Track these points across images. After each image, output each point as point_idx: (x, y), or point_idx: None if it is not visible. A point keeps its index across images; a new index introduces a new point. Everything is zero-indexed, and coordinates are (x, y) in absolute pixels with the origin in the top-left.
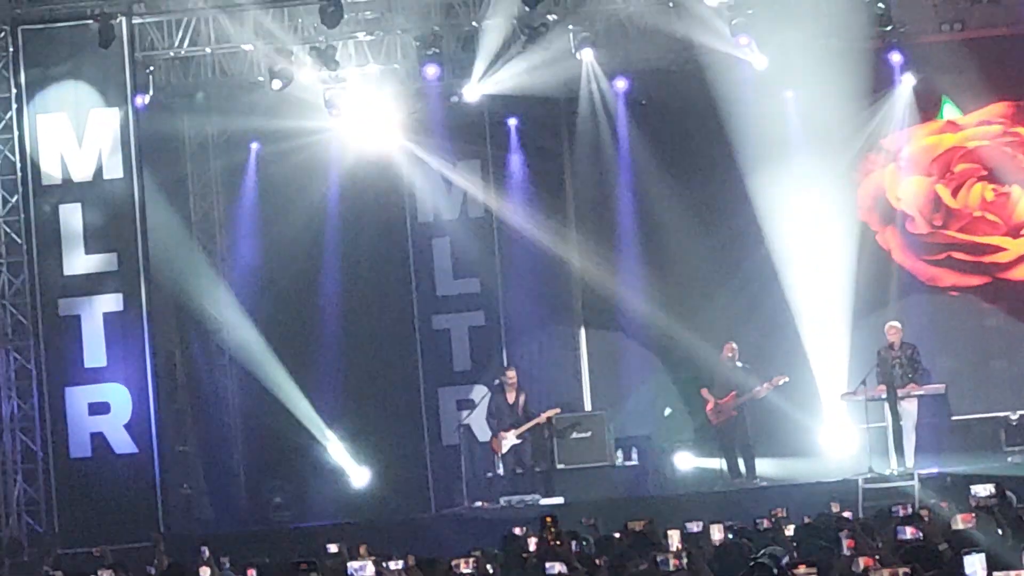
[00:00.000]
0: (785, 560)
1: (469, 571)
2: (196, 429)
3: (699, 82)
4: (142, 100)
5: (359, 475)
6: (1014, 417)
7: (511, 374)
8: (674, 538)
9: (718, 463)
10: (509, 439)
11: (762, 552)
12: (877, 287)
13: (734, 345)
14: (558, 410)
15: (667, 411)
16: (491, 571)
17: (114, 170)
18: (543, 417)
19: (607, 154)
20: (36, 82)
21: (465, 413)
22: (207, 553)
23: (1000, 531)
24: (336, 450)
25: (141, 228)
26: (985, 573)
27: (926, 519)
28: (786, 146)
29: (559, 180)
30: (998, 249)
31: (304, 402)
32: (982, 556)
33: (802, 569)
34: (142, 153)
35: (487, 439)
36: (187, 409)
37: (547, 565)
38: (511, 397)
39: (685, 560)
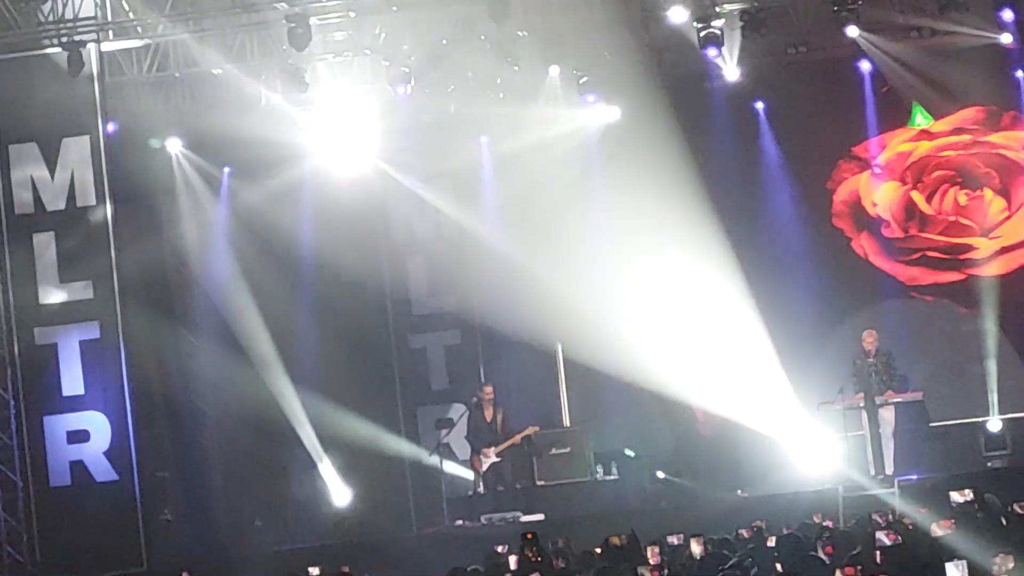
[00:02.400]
0: (754, 571)
1: None
2: (175, 454)
3: (670, 95)
4: (112, 127)
5: (341, 494)
6: (992, 422)
7: (488, 390)
8: (653, 553)
9: (701, 474)
10: (489, 457)
11: (730, 563)
12: (853, 293)
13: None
14: (537, 428)
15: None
16: None
17: (86, 198)
18: (520, 436)
19: (578, 169)
20: (5, 111)
21: (444, 432)
22: None
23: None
24: (316, 471)
25: (115, 255)
26: None
27: (907, 526)
28: (757, 156)
29: (533, 196)
30: (972, 248)
31: (283, 424)
32: (964, 563)
33: None
34: (114, 180)
35: (467, 457)
36: (166, 434)
37: None
38: (489, 414)
39: (666, 573)
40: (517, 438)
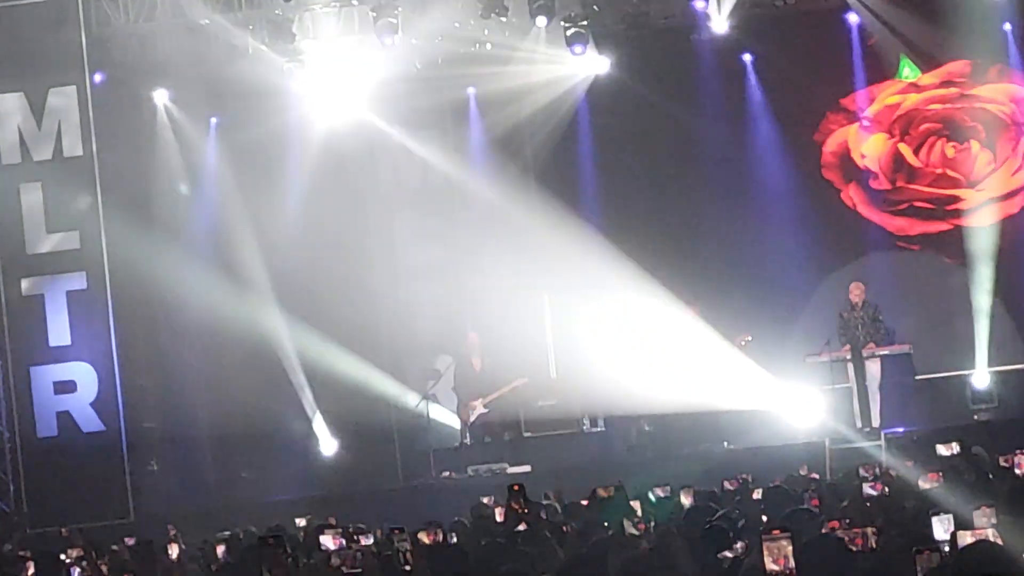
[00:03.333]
0: (741, 523)
1: (433, 542)
2: (162, 405)
3: (657, 47)
4: (100, 77)
5: (328, 445)
6: (979, 376)
7: (473, 337)
8: (638, 506)
9: (685, 426)
10: (477, 408)
11: (717, 515)
12: (841, 245)
13: (698, 306)
14: (526, 380)
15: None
16: (455, 540)
17: (73, 148)
18: (511, 387)
19: (566, 120)
20: None
21: (431, 383)
22: (173, 531)
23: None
24: (304, 422)
25: (102, 205)
26: (952, 532)
27: (893, 478)
28: (746, 108)
29: (519, 147)
30: (959, 199)
31: (269, 375)
32: (950, 517)
33: (777, 534)
34: (101, 130)
35: (454, 408)
36: (152, 386)
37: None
38: (476, 363)
39: (652, 525)
40: (506, 390)
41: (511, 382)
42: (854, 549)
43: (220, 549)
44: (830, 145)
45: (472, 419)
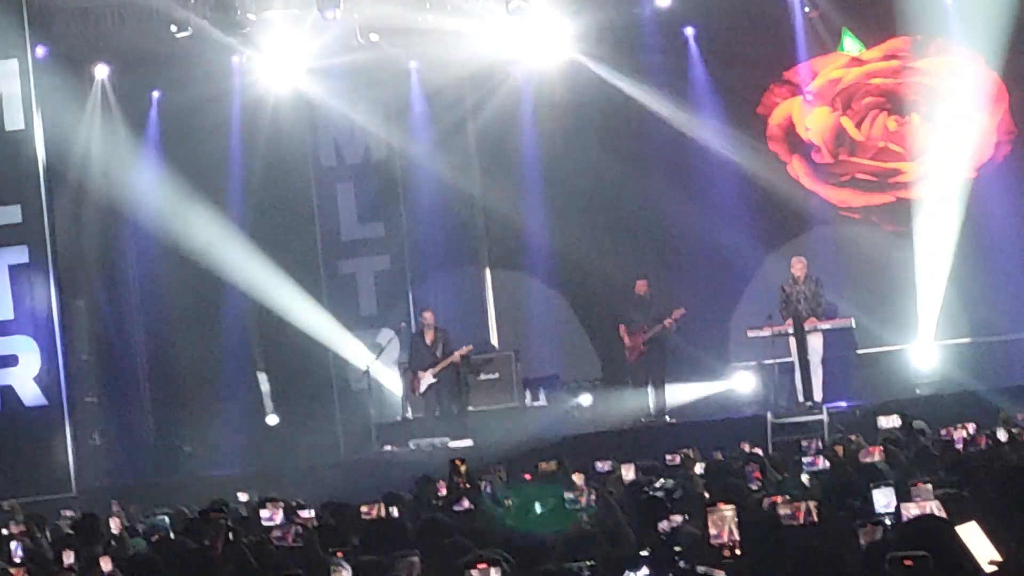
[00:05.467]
0: (678, 494)
1: (374, 516)
2: (105, 380)
3: (602, 18)
4: (42, 51)
5: (271, 418)
6: (921, 349)
7: (428, 315)
8: (579, 480)
9: (628, 400)
10: (426, 378)
11: (658, 485)
12: (787, 218)
13: (647, 281)
14: (471, 347)
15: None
16: (398, 515)
17: (15, 121)
18: (457, 355)
19: (509, 93)
20: None
21: (373, 357)
22: (116, 506)
23: (907, 462)
24: (248, 396)
25: (44, 179)
26: (893, 505)
27: (835, 452)
28: (689, 80)
29: (461, 120)
30: (900, 172)
31: (212, 350)
32: (890, 489)
33: (722, 506)
34: (43, 104)
35: (397, 383)
36: (95, 360)
37: (455, 505)
38: (429, 338)
39: (593, 498)
40: (456, 356)
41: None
42: (795, 524)
43: (162, 522)
44: (775, 118)
45: (422, 390)
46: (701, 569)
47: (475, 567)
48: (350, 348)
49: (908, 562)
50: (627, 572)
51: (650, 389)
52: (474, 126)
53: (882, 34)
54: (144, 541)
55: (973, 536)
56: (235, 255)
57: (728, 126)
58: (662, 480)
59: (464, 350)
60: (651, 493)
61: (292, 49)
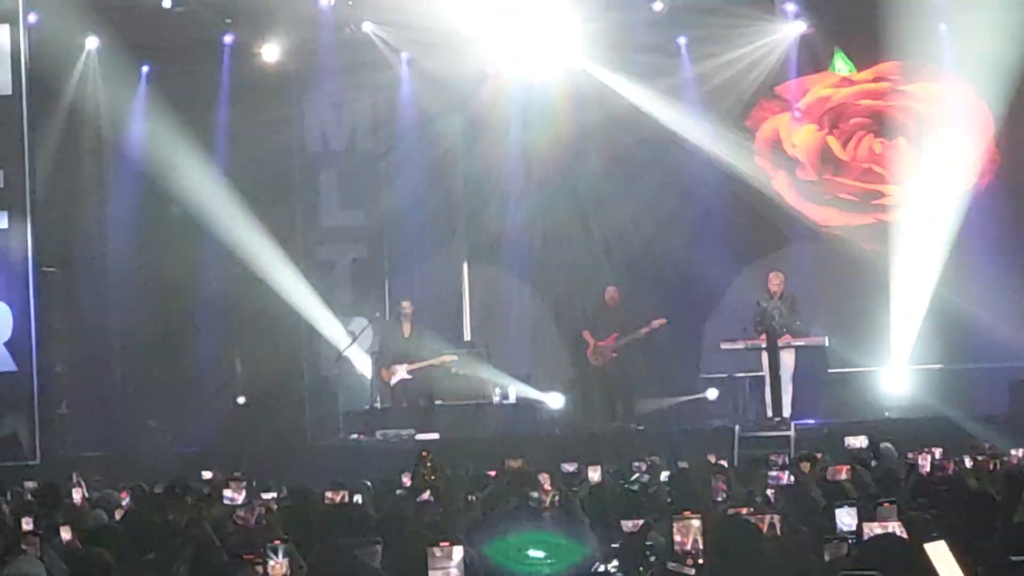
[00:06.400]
0: (654, 489)
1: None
2: (76, 350)
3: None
4: (35, 18)
5: (240, 398)
6: (893, 372)
7: (406, 305)
8: (546, 479)
9: (596, 405)
10: (400, 372)
11: (633, 478)
12: (767, 233)
13: (616, 289)
14: (455, 357)
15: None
16: (360, 503)
17: (2, 87)
18: (440, 360)
19: (499, 89)
20: None
21: (345, 344)
22: (77, 476)
23: (872, 483)
24: (217, 375)
25: (28, 146)
26: (855, 524)
27: (801, 469)
28: (679, 89)
29: (448, 114)
30: (883, 195)
31: (185, 326)
32: (853, 509)
33: (688, 515)
34: (32, 71)
35: (367, 371)
36: (68, 329)
37: (419, 497)
38: (407, 329)
39: (557, 499)
40: (437, 361)
41: (441, 355)
42: (759, 536)
43: (124, 496)
44: (763, 132)
45: (393, 381)
46: (671, 565)
47: (438, 545)
48: (324, 333)
49: None
50: (598, 565)
51: (619, 395)
52: (461, 121)
53: (874, 57)
54: (104, 513)
55: (941, 556)
56: (215, 233)
57: (715, 138)
58: (637, 475)
59: (446, 358)
60: (626, 486)
61: (284, 32)
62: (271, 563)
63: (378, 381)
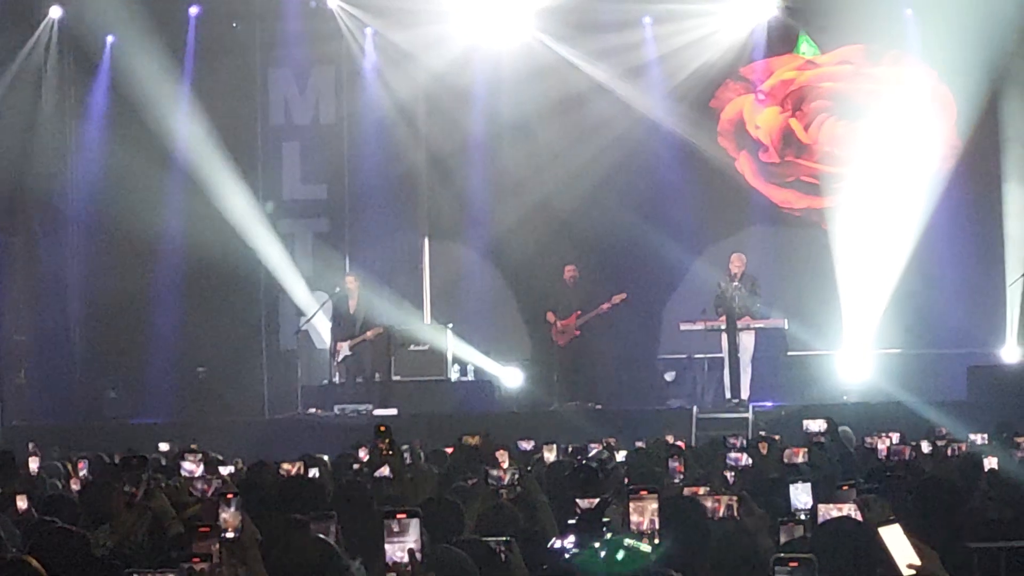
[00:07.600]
0: (612, 466)
1: (295, 474)
2: (36, 319)
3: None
4: None
5: (199, 370)
6: (852, 356)
7: (350, 279)
8: (503, 457)
9: (555, 383)
10: (343, 350)
11: (592, 454)
12: (729, 214)
13: (574, 267)
14: (380, 329)
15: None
16: (317, 476)
17: None
18: (372, 333)
19: (464, 67)
20: None
21: (303, 319)
22: (33, 446)
23: (829, 466)
24: (175, 347)
25: None
26: (811, 503)
27: (759, 450)
28: (644, 68)
29: (413, 90)
30: (844, 177)
31: (145, 297)
32: (808, 486)
33: (645, 494)
34: None
35: (325, 346)
36: (27, 298)
37: (376, 472)
38: (352, 305)
39: (516, 476)
40: (369, 334)
41: (371, 327)
42: (715, 517)
43: (82, 466)
44: (727, 113)
45: (339, 358)
46: (628, 541)
47: (395, 517)
48: (283, 307)
49: (793, 564)
50: (554, 540)
51: (578, 374)
52: (426, 97)
53: (839, 40)
54: (59, 483)
55: (895, 538)
56: (177, 205)
57: (680, 118)
58: (594, 452)
59: (379, 329)
60: (584, 462)
61: (249, 5)
62: (223, 516)
63: (331, 356)
